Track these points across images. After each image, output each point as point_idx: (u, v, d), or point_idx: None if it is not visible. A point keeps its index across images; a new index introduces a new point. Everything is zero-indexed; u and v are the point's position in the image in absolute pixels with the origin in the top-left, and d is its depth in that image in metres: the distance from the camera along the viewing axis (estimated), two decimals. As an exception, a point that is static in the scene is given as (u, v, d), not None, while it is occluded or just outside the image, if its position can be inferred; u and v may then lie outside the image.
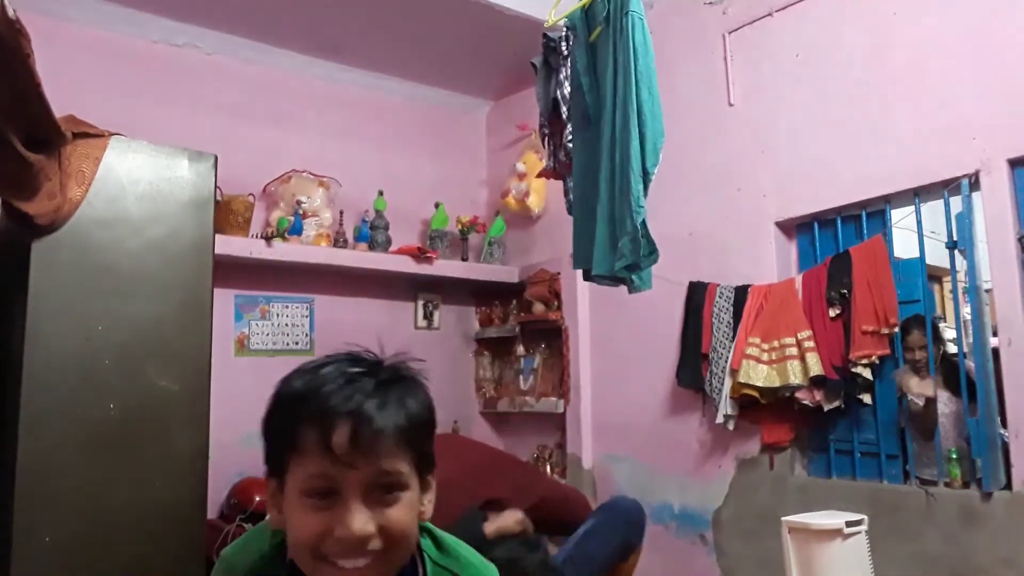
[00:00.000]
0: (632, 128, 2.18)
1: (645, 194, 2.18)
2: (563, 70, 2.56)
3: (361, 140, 4.26)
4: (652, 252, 2.16)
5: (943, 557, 2.53)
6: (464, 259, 4.32)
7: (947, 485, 2.61)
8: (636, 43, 2.20)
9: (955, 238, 2.63)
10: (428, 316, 4.39)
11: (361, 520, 0.89)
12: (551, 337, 4.10)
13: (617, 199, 2.24)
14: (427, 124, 4.54)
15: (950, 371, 2.85)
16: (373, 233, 4.03)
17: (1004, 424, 2.47)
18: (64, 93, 2.06)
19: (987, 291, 2.58)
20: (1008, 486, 2.43)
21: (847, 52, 2.94)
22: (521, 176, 4.18)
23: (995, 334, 2.51)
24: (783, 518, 2.45)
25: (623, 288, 2.38)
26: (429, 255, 4.03)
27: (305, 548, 0.91)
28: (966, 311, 2.94)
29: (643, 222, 2.14)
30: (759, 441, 3.09)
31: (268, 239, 3.56)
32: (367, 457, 0.89)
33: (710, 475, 3.27)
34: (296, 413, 0.91)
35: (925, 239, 2.79)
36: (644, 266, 2.21)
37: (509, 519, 2.44)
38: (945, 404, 2.82)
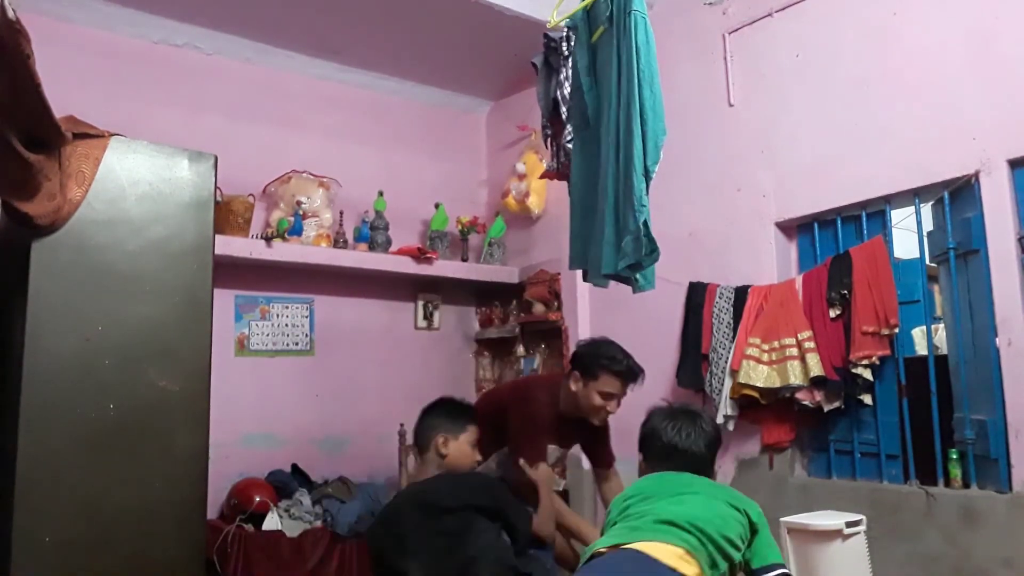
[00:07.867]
0: (635, 127, 2.18)
1: (647, 193, 2.19)
2: (563, 70, 2.55)
3: (361, 140, 4.26)
4: (653, 251, 2.17)
5: (943, 557, 2.53)
6: (464, 259, 4.32)
7: (947, 485, 2.61)
8: (639, 42, 2.21)
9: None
10: (428, 316, 4.39)
11: None
12: (551, 337, 4.10)
13: (621, 199, 2.24)
14: (427, 124, 4.54)
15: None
16: (373, 233, 4.03)
17: (1005, 423, 2.47)
18: (64, 93, 2.05)
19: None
20: (1008, 486, 2.43)
21: (847, 52, 2.94)
22: (521, 176, 4.18)
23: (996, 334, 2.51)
24: (782, 519, 2.45)
25: (623, 288, 2.37)
26: (429, 255, 4.02)
27: None
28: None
29: (645, 221, 2.15)
30: (759, 441, 3.09)
31: (268, 240, 3.56)
32: None
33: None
34: None
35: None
36: (646, 265, 2.21)
37: None
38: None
